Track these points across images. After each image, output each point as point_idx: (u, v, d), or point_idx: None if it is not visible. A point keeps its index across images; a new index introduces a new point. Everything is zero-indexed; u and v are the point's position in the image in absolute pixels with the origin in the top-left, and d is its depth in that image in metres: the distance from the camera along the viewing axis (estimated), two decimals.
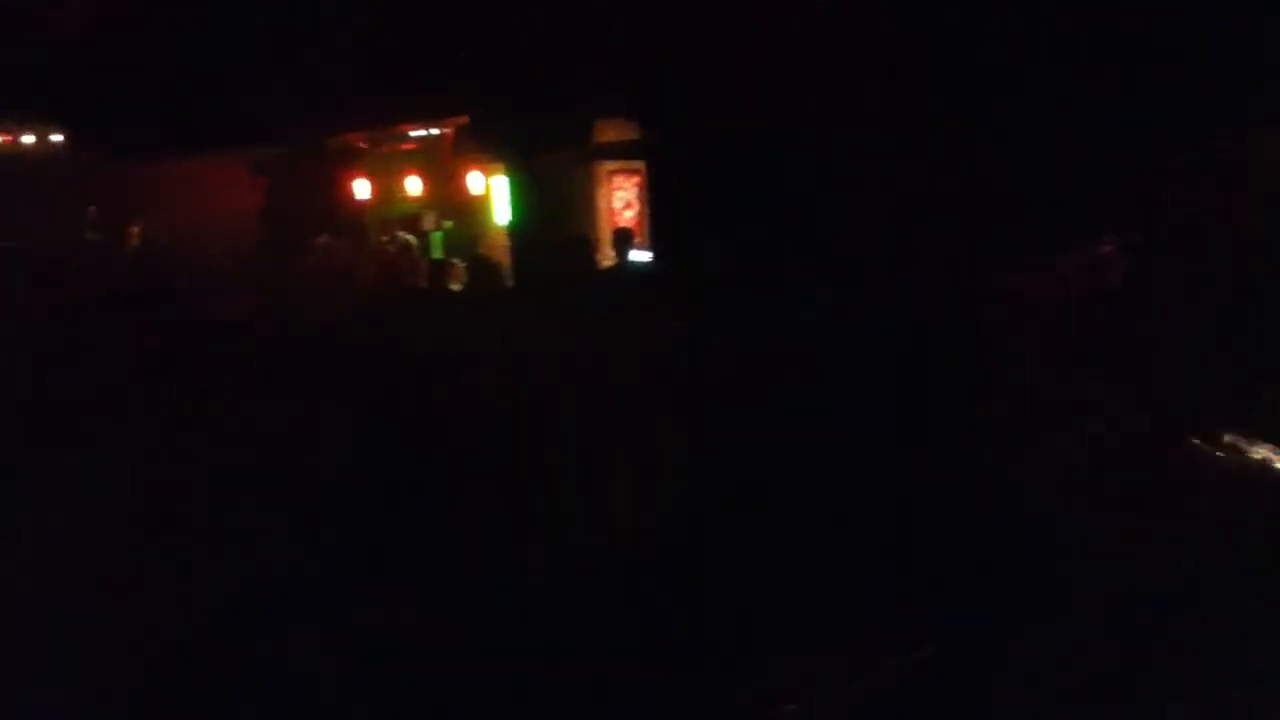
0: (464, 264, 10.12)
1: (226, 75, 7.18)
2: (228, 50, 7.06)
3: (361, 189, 11.87)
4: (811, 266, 5.95)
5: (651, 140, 8.57)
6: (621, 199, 11.18)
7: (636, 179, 11.01)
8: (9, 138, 10.15)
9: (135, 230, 9.85)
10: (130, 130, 8.10)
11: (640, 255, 9.44)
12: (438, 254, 11.69)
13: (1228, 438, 3.45)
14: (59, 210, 9.63)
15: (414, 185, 11.99)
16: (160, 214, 9.69)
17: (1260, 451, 3.43)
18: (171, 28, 7.08)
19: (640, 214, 11.05)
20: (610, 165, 11.01)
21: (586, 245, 9.43)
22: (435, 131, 11.17)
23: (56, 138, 10.80)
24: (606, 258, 10.10)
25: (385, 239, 11.16)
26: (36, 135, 10.67)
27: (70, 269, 8.30)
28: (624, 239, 9.22)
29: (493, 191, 11.47)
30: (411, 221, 12.01)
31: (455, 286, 9.62)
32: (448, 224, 12.17)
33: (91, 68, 6.95)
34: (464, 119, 9.44)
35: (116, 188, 9.84)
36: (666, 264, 8.26)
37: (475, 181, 11.41)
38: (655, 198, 9.88)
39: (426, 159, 11.98)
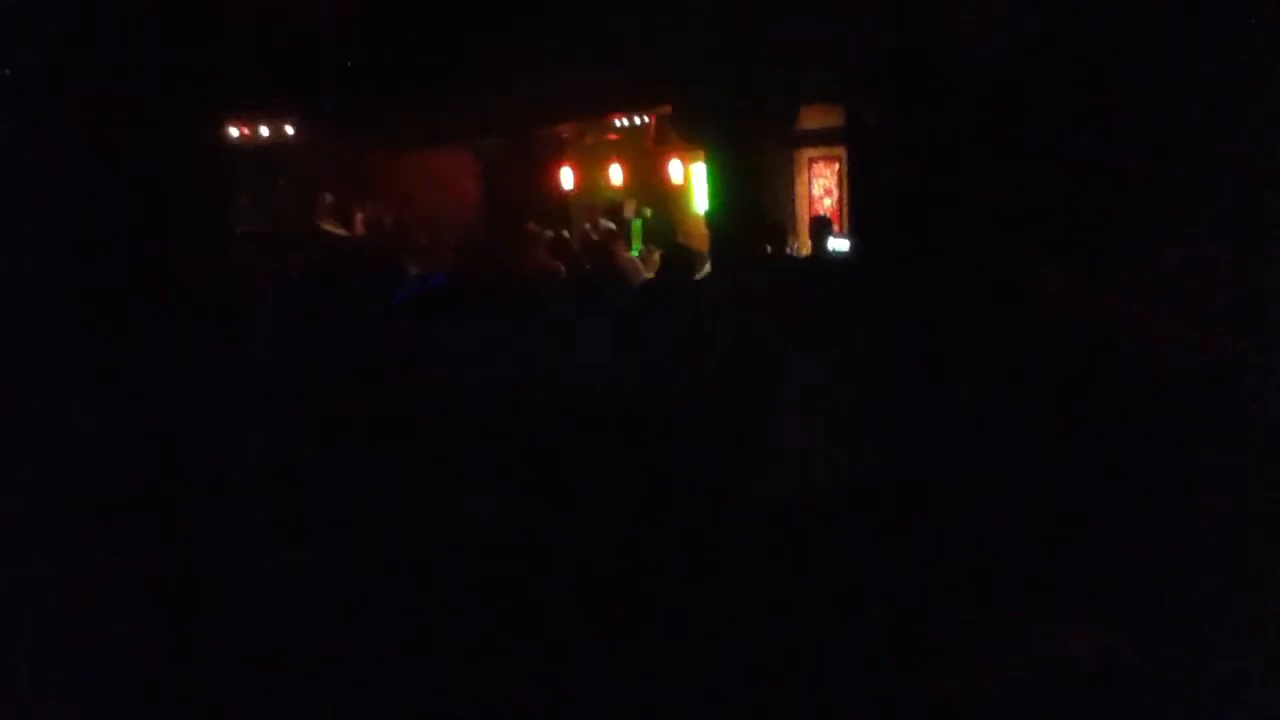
0: (656, 251, 10.33)
1: (452, 65, 7.57)
2: (450, 40, 7.44)
3: (566, 178, 12.24)
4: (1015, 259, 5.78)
5: (857, 125, 8.48)
6: (821, 186, 11.12)
7: (836, 165, 10.93)
8: (247, 130, 10.97)
9: (361, 216, 10.50)
10: (366, 122, 8.65)
11: (839, 244, 9.37)
12: (636, 242, 11.94)
13: None
14: (295, 198, 10.36)
15: (616, 174, 12.27)
16: (388, 201, 10.28)
17: None
18: (396, 22, 7.51)
19: (839, 201, 10.96)
20: (810, 152, 10.96)
21: (782, 233, 9.43)
22: (638, 120, 11.39)
23: (289, 130, 11.55)
24: (804, 246, 10.07)
25: (588, 225, 11.48)
26: (271, 128, 11.45)
27: (301, 250, 8.90)
28: (822, 227, 9.17)
29: (692, 179, 11.62)
30: (612, 210, 12.31)
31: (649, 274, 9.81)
32: (647, 211, 12.39)
33: (330, 60, 7.46)
34: (666, 108, 9.59)
35: (348, 177, 10.51)
36: (867, 253, 8.16)
37: (675, 170, 11.58)
38: (857, 185, 9.78)
39: (628, 148, 12.24)
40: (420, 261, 7.69)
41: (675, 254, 7.78)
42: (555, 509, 3.63)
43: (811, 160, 11.03)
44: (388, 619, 3.55)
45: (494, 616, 3.44)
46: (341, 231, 10.24)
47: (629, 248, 11.51)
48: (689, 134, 9.14)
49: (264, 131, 10.96)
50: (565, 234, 10.16)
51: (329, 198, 10.80)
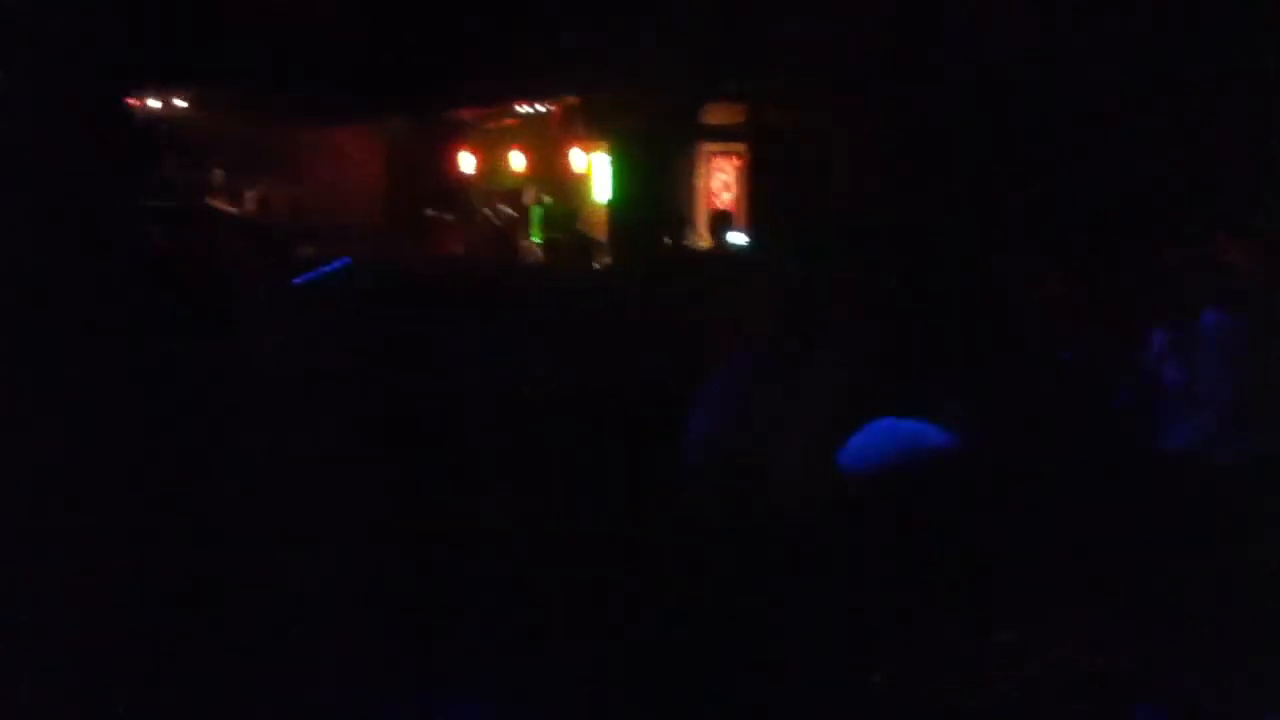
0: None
1: (354, 44, 7.43)
2: (356, 18, 7.30)
3: (467, 163, 12.14)
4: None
5: (759, 123, 8.65)
6: (721, 181, 11.27)
7: (736, 161, 11.10)
8: (137, 101, 10.57)
9: (251, 194, 10.24)
10: (261, 95, 8.43)
11: (737, 238, 9.52)
12: (535, 229, 11.92)
13: None
14: (185, 173, 10.03)
15: (517, 160, 12.23)
16: (284, 180, 10.04)
17: None
18: None
19: (738, 197, 11.14)
20: (711, 147, 11.11)
21: (682, 225, 9.55)
22: (542, 108, 11.37)
23: (180, 103, 11.19)
24: (702, 239, 10.22)
25: (488, 212, 11.42)
26: (162, 100, 11.07)
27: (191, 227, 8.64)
28: (722, 221, 9.29)
29: (593, 169, 11.66)
30: (512, 196, 12.27)
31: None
32: (547, 200, 12.39)
33: (224, 30, 7.24)
34: (572, 97, 9.61)
35: (242, 153, 10.22)
36: (765, 248, 8.32)
37: (577, 158, 11.60)
38: (758, 180, 9.96)
39: (530, 135, 12.20)
40: (316, 244, 7.56)
41: (576, 242, 7.83)
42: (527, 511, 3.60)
43: (712, 155, 11.18)
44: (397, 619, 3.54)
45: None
46: (231, 209, 9.97)
47: (528, 235, 11.49)
48: (596, 124, 9.19)
49: (153, 104, 10.59)
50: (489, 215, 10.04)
51: (219, 174, 10.50)
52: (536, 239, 11.36)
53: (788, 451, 2.45)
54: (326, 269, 4.66)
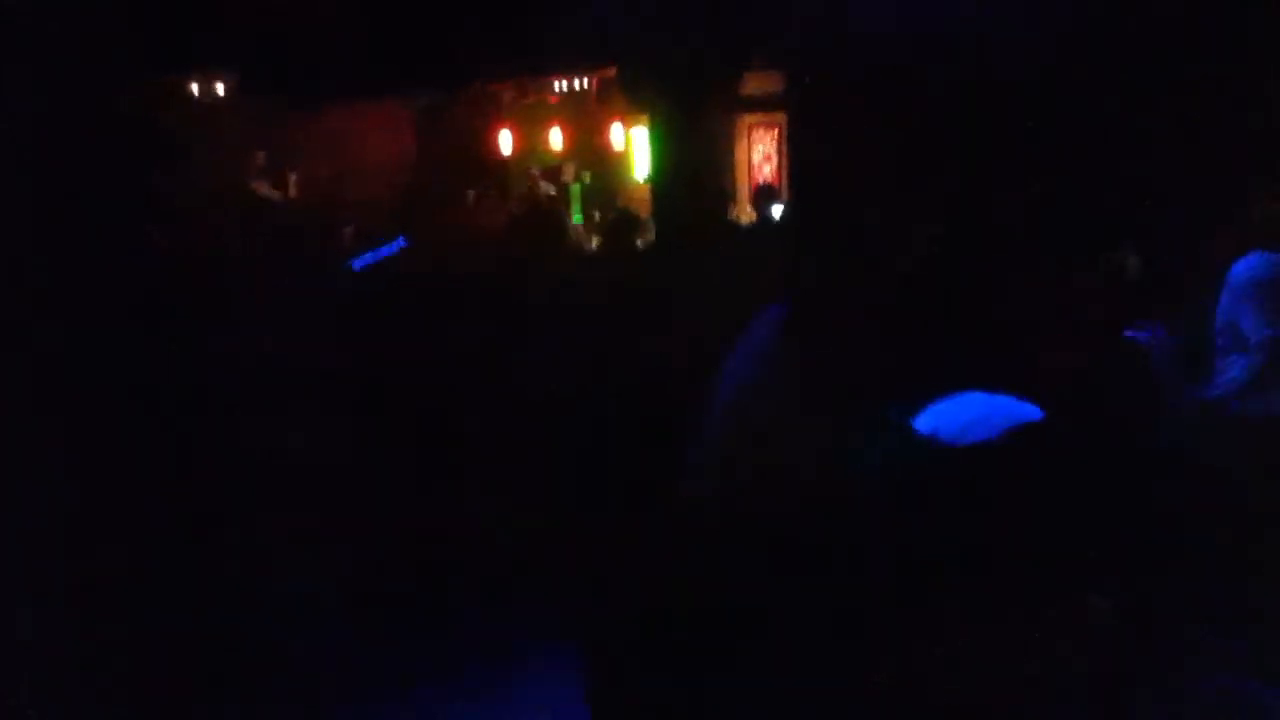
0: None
1: (386, 19, 7.38)
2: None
3: (505, 140, 12.10)
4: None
5: (797, 92, 8.47)
6: (761, 152, 11.14)
7: (776, 131, 10.96)
8: (177, 89, 10.63)
9: (294, 178, 10.26)
10: (298, 77, 8.42)
11: (780, 211, 9.40)
12: (575, 207, 11.87)
13: None
14: (228, 158, 10.06)
15: (556, 137, 12.16)
16: (323, 161, 10.05)
17: None
18: None
19: (778, 168, 11.01)
20: (750, 118, 10.97)
21: (725, 200, 9.43)
22: (579, 84, 11.27)
23: (219, 87, 11.23)
24: (744, 213, 10.10)
25: (545, 185, 11.37)
26: (200, 86, 11.12)
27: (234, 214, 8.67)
28: (767, 195, 9.18)
29: (633, 144, 11.56)
30: (552, 173, 12.20)
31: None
32: (586, 176, 12.31)
33: (255, 15, 7.23)
34: (609, 70, 9.51)
35: (280, 134, 10.22)
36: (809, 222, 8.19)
37: (616, 134, 11.51)
38: (796, 152, 9.80)
39: (569, 111, 12.12)
40: (356, 222, 7.54)
41: (621, 220, 7.74)
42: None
43: (751, 126, 11.04)
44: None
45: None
46: (276, 194, 9.99)
47: (570, 213, 11.44)
48: (633, 97, 9.08)
49: (194, 90, 10.64)
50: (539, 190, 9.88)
51: (261, 156, 10.53)
52: (577, 218, 11.30)
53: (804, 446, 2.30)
54: (383, 250, 4.58)
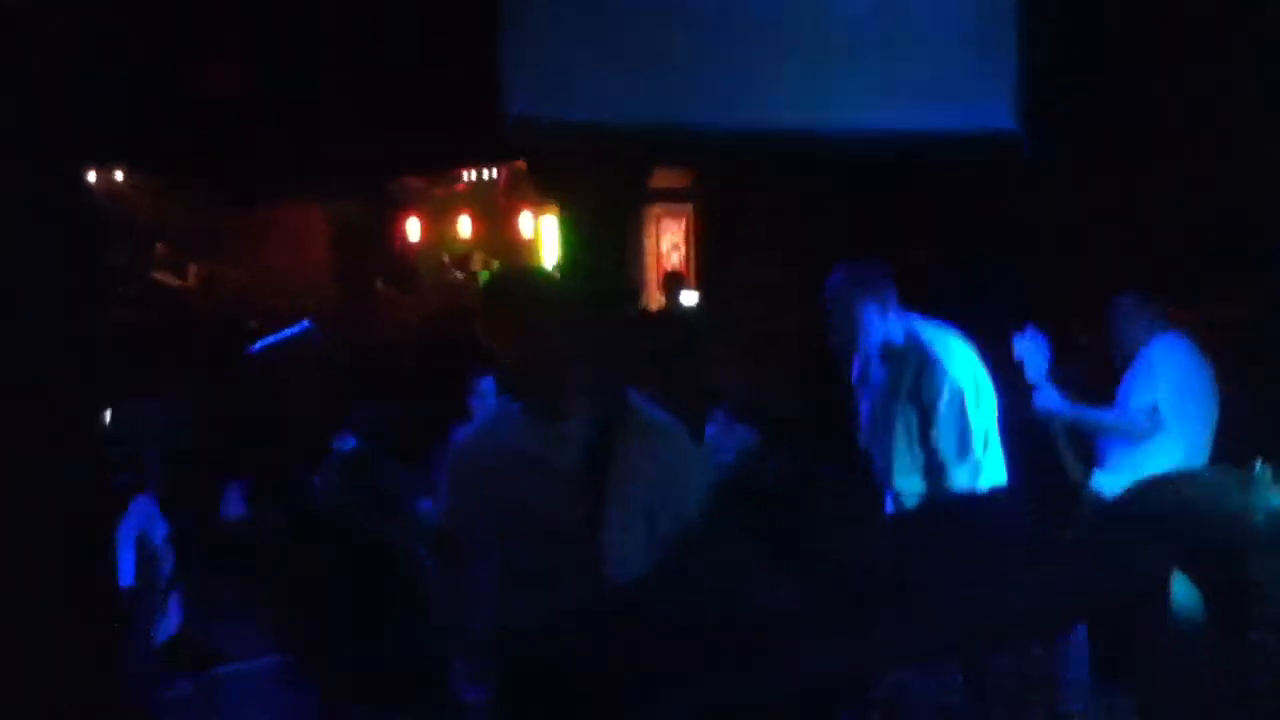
0: None
1: (288, 121, 7.38)
2: (288, 96, 7.25)
3: (414, 229, 12.11)
4: None
5: (705, 184, 8.71)
6: (669, 241, 11.33)
7: (684, 220, 11.18)
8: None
9: (194, 268, 10.09)
10: (205, 172, 8.33)
11: (689, 298, 9.56)
12: None
13: None
14: (126, 250, 9.86)
15: (464, 226, 12.21)
16: (230, 262, 9.91)
17: None
18: (233, 70, 7.27)
19: (686, 256, 11.20)
20: (658, 208, 11.17)
21: (637, 290, 9.55)
22: (488, 173, 11.38)
23: (119, 176, 11.04)
24: (653, 301, 10.23)
25: (439, 276, 11.36)
26: (98, 174, 10.90)
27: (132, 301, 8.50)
28: (675, 282, 9.33)
29: (541, 233, 11.67)
30: (461, 261, 12.24)
31: None
32: (495, 264, 12.37)
33: (164, 105, 7.16)
34: (519, 160, 9.63)
35: (186, 231, 10.07)
36: (718, 307, 8.35)
37: (525, 223, 11.61)
38: (709, 240, 10.02)
39: (478, 199, 12.20)
40: (262, 313, 7.45)
41: None
42: None
43: (660, 216, 11.25)
44: None
45: None
46: (174, 282, 9.81)
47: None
48: (541, 188, 9.20)
49: (90, 178, 10.42)
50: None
51: (161, 247, 10.35)
52: None
53: None
54: (284, 334, 4.50)
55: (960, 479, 3.32)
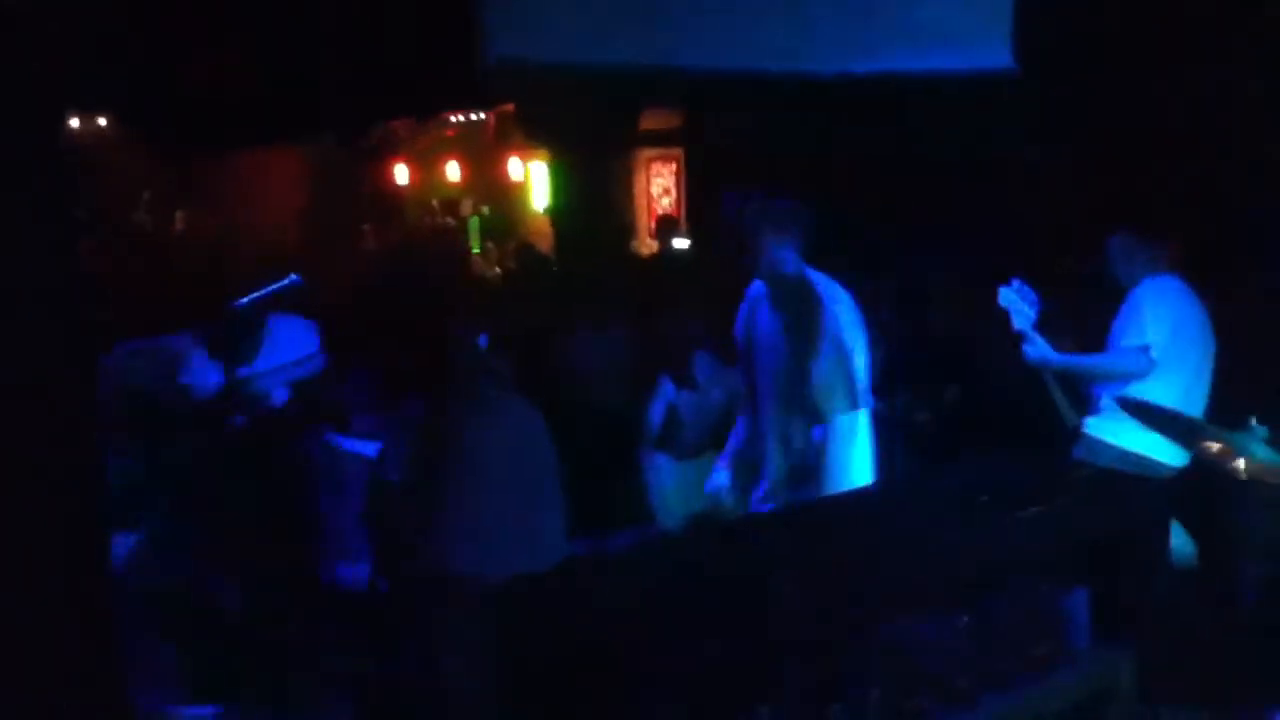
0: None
1: (270, 64, 7.21)
2: (270, 39, 7.08)
3: (402, 175, 11.95)
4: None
5: (696, 126, 8.59)
6: (660, 185, 11.22)
7: (674, 165, 11.05)
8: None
9: (180, 214, 9.95)
10: (182, 119, 8.16)
11: (681, 243, 9.47)
12: (474, 240, 11.78)
13: None
14: (111, 195, 9.72)
15: (453, 171, 12.07)
16: (210, 203, 9.77)
17: None
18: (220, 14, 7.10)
19: (677, 200, 11.10)
20: (649, 152, 11.04)
21: (627, 232, 9.48)
22: (476, 117, 11.22)
23: (101, 122, 10.86)
24: (644, 245, 10.15)
25: (428, 220, 11.25)
26: (82, 120, 10.72)
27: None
28: (668, 226, 9.24)
29: (531, 177, 11.54)
30: (449, 206, 12.11)
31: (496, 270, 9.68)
32: (484, 209, 12.25)
33: (145, 54, 7.00)
34: (508, 105, 9.48)
35: (167, 176, 9.91)
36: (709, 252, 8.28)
37: (514, 167, 11.48)
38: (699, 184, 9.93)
39: (466, 144, 12.05)
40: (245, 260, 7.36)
41: (530, 256, 7.74)
42: None
43: (650, 160, 11.12)
44: None
45: None
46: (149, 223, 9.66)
47: (469, 244, 11.35)
48: (531, 132, 9.07)
49: (74, 124, 10.23)
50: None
51: (145, 195, 10.21)
52: (475, 249, 11.21)
53: None
54: (270, 288, 4.37)
55: (840, 423, 3.44)
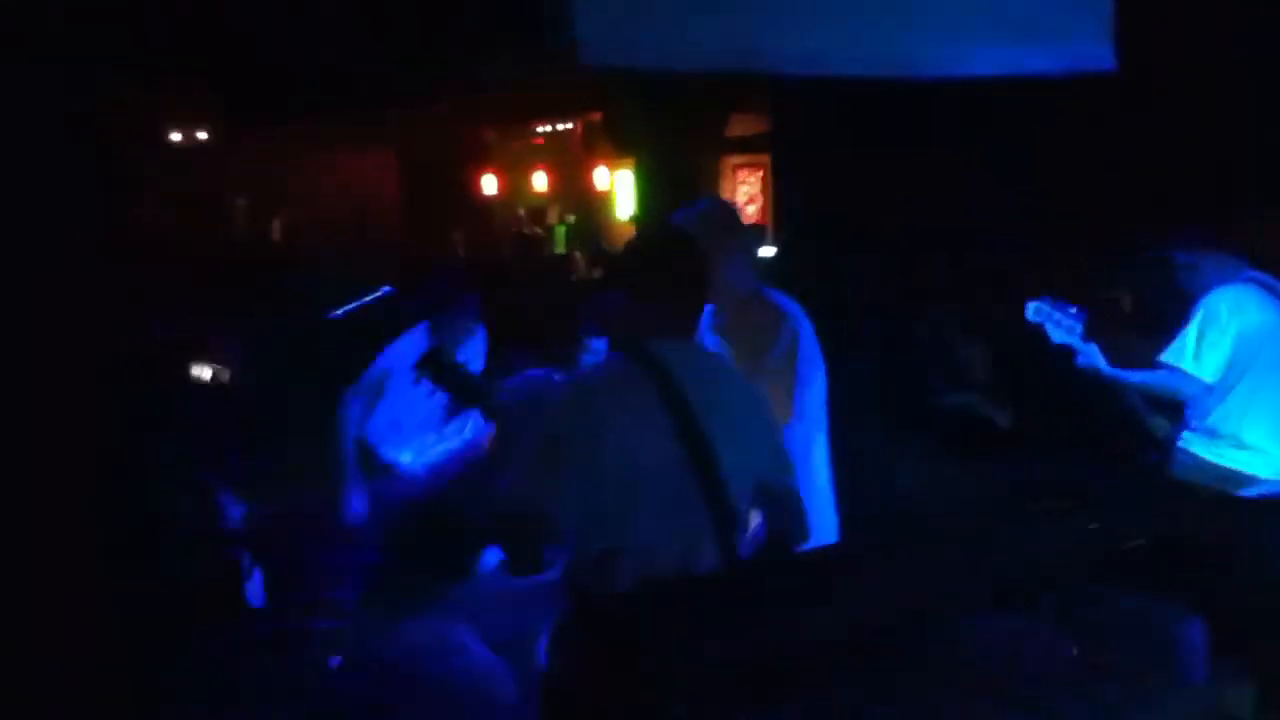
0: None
1: (362, 66, 7.37)
2: (366, 41, 7.23)
3: (490, 183, 12.12)
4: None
5: (783, 132, 8.53)
6: (745, 193, 11.17)
7: (761, 172, 10.99)
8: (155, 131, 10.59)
9: (277, 224, 10.22)
10: (279, 122, 8.37)
11: (767, 252, 9.41)
12: (561, 248, 11.87)
13: None
14: (210, 203, 10.02)
15: (540, 180, 12.17)
16: (304, 208, 10.01)
17: None
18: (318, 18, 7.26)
19: (763, 209, 11.03)
20: (735, 159, 11.00)
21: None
22: (563, 126, 11.30)
23: (202, 135, 11.22)
24: None
25: (517, 230, 11.34)
26: (183, 133, 11.11)
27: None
28: (754, 236, 9.17)
29: (616, 186, 11.58)
30: (537, 214, 12.22)
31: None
32: (570, 218, 12.33)
33: (240, 63, 7.21)
34: (594, 113, 9.53)
35: (263, 183, 10.17)
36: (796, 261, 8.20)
37: (600, 176, 11.53)
38: (781, 193, 9.85)
39: (553, 153, 12.14)
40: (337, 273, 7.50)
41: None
42: None
43: (736, 167, 11.08)
44: None
45: None
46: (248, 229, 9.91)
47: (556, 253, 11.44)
48: (618, 141, 9.10)
49: (175, 137, 10.59)
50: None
51: (242, 203, 10.51)
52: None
53: None
54: (365, 299, 4.43)
55: (791, 435, 3.19)
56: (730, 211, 3.41)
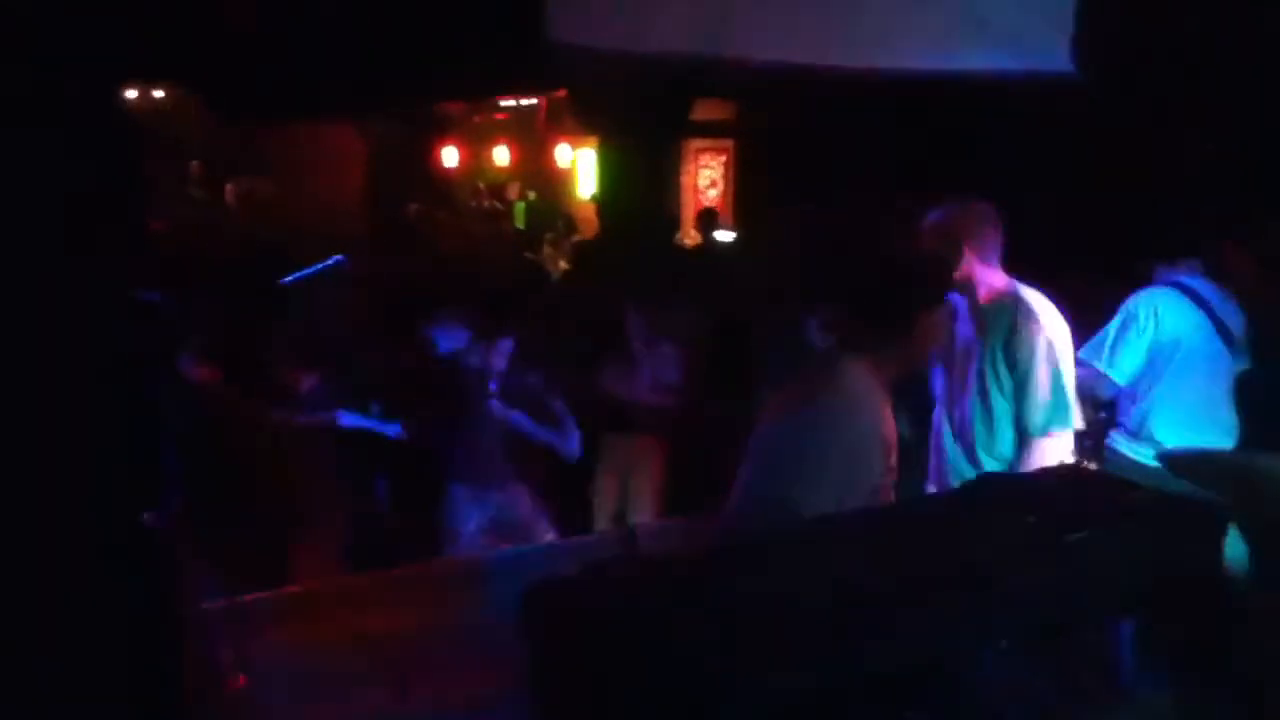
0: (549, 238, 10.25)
1: (329, 39, 7.26)
2: (331, 14, 7.13)
3: (451, 156, 12.03)
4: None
5: (747, 119, 8.56)
6: (707, 177, 11.20)
7: (723, 157, 11.03)
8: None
9: (231, 187, 10.05)
10: (238, 91, 8.23)
11: (724, 235, 9.45)
12: (520, 224, 11.83)
13: None
14: (163, 166, 9.83)
15: (502, 155, 12.12)
16: (265, 180, 9.85)
17: None
18: None
19: (724, 193, 11.06)
20: (698, 143, 11.02)
21: (674, 223, 9.46)
22: (527, 102, 11.24)
23: (158, 94, 10.99)
24: (688, 236, 10.13)
25: (476, 203, 11.28)
26: (139, 91, 10.85)
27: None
28: (710, 219, 9.22)
29: (579, 164, 11.56)
30: (497, 190, 12.16)
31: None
32: (531, 194, 12.28)
33: (202, 27, 7.08)
34: (559, 90, 9.50)
35: (220, 148, 10.00)
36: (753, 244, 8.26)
37: (563, 153, 11.50)
38: (745, 175, 9.90)
39: (516, 129, 12.09)
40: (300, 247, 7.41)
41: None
42: None
43: (698, 151, 11.10)
44: None
45: None
46: (205, 197, 9.76)
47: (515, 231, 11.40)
48: (584, 119, 9.07)
49: (130, 95, 10.36)
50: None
51: (196, 165, 10.32)
52: (521, 225, 11.26)
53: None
54: (314, 268, 4.46)
55: None
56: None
